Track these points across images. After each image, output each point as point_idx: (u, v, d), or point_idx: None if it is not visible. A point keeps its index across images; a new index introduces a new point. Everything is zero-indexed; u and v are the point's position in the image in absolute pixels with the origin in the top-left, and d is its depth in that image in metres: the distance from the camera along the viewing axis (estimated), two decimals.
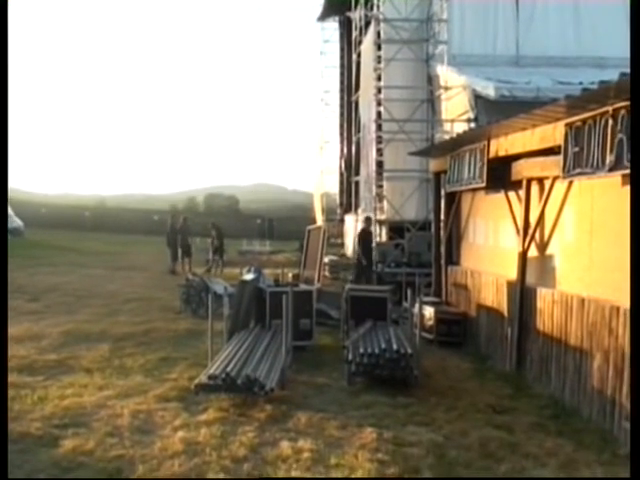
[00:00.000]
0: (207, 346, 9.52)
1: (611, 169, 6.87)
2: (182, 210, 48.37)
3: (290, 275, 16.38)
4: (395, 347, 8.80)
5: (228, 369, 8.00)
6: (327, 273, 21.35)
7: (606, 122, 6.97)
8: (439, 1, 19.42)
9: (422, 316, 10.82)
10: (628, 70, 6.16)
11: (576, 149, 7.55)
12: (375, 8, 21.18)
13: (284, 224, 50.26)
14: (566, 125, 7.81)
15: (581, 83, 13.47)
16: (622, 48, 18.26)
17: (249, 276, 12.12)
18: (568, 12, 19.30)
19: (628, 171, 6.58)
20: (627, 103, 6.58)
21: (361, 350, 8.86)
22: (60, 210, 57.46)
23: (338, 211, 35.37)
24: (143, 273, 23.61)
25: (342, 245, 30.92)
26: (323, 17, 35.58)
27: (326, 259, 21.41)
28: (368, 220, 18.25)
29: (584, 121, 7.42)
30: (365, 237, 17.43)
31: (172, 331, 12.75)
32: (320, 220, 34.31)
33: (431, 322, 12.10)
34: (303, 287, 12.07)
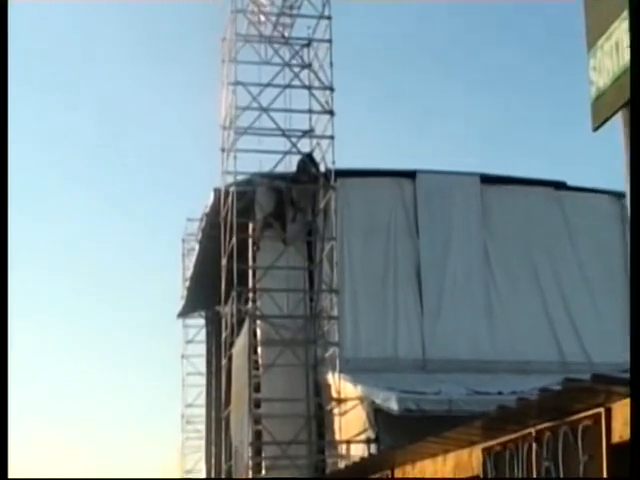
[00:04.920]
0: None
1: None
2: None
3: None
4: None
5: None
6: None
7: (529, 446, 7.32)
8: (327, 295, 20.05)
9: None
10: (553, 375, 6.64)
11: None
12: (250, 302, 21.45)
13: None
14: (483, 450, 8.12)
15: (500, 393, 14.17)
16: (544, 350, 19.45)
17: None
18: (479, 308, 20.04)
19: None
20: (551, 424, 6.98)
21: None
22: None
23: None
24: None
25: None
26: (186, 312, 35.06)
27: None
28: None
29: (504, 445, 7.75)
30: None
31: None
32: None
33: None
34: None
